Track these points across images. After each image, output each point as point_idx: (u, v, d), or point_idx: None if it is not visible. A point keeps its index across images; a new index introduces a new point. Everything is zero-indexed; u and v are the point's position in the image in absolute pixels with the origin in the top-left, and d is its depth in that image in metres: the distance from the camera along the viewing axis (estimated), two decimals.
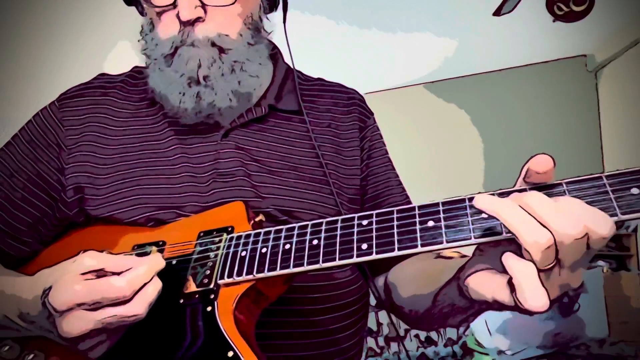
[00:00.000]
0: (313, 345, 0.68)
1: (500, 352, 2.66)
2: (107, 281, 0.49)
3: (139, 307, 0.49)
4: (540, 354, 2.60)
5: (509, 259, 0.40)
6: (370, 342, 2.87)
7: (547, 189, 0.43)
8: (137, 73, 0.82)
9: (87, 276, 0.50)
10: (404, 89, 5.19)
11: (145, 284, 0.51)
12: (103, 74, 0.82)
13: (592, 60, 4.63)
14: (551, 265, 0.39)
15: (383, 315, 2.92)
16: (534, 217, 0.39)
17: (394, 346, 2.87)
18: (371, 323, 2.90)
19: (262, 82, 0.79)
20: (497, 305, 0.44)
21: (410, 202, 0.75)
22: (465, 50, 4.42)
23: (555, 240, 0.39)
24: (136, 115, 0.76)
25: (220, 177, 0.69)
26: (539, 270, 0.39)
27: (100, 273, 0.51)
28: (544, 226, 0.39)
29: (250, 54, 0.72)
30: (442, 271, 0.55)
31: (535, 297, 0.39)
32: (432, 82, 5.10)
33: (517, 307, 0.41)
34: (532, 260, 0.39)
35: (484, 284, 0.43)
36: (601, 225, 0.38)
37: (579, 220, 0.38)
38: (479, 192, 0.44)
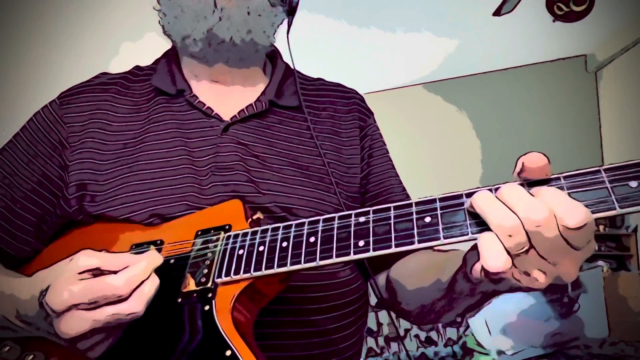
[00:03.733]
0: (311, 345, 0.68)
1: (500, 352, 2.67)
2: (104, 280, 0.49)
3: (137, 305, 0.49)
4: (540, 354, 2.60)
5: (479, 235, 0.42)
6: (370, 342, 2.87)
7: (544, 182, 0.43)
8: (138, 70, 0.82)
9: (83, 276, 0.50)
10: (404, 89, 5.20)
11: (142, 282, 0.50)
12: (104, 73, 0.82)
13: (592, 60, 4.63)
14: (523, 249, 0.40)
15: (383, 315, 2.93)
16: (505, 204, 0.41)
17: (394, 346, 2.87)
18: (371, 323, 2.90)
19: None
20: (488, 287, 0.45)
21: None
22: (465, 50, 4.43)
23: (524, 226, 0.40)
24: (137, 110, 0.76)
25: (219, 171, 0.69)
26: (512, 255, 0.40)
27: (97, 272, 0.51)
28: (513, 212, 0.40)
29: (266, 12, 0.73)
30: (447, 259, 0.56)
31: (491, 258, 0.40)
32: (432, 82, 5.11)
33: (495, 282, 0.43)
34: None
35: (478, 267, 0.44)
36: (569, 215, 0.38)
37: (545, 206, 0.39)
38: (476, 187, 0.45)
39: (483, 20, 3.60)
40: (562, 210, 0.39)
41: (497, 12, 2.90)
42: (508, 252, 0.40)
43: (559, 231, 0.39)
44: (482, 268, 0.41)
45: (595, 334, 2.73)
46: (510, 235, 0.40)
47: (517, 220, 0.40)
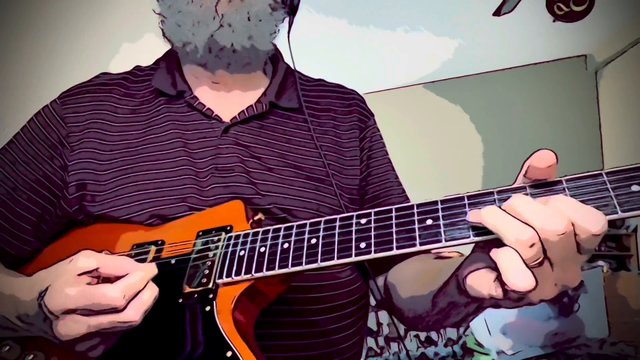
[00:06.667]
0: (312, 346, 0.68)
1: (500, 352, 2.66)
2: (101, 289, 0.49)
3: (134, 315, 0.49)
4: (540, 354, 2.60)
5: (494, 250, 0.41)
6: (370, 342, 2.87)
7: (546, 186, 0.43)
8: (139, 71, 0.82)
9: (82, 278, 0.50)
10: (404, 89, 5.20)
11: (140, 291, 0.50)
12: (104, 73, 0.82)
13: (592, 60, 4.63)
14: (539, 261, 0.40)
15: (383, 315, 2.93)
16: (516, 217, 0.40)
17: (394, 346, 2.87)
18: (371, 323, 2.90)
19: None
20: (493, 301, 0.44)
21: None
22: (465, 50, 4.43)
23: (540, 236, 0.39)
24: (137, 111, 0.76)
25: (219, 173, 0.69)
26: (529, 267, 0.40)
27: (96, 274, 0.51)
28: (528, 224, 0.40)
29: (267, 16, 0.72)
30: (442, 269, 0.55)
31: (519, 277, 0.39)
32: (432, 82, 5.11)
33: (510, 300, 0.42)
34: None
35: (481, 280, 0.44)
36: (590, 222, 0.38)
37: (563, 216, 0.39)
38: (478, 190, 0.45)
39: (483, 20, 3.60)
40: (581, 217, 0.39)
41: (497, 12, 2.90)
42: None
43: (575, 239, 0.39)
44: (501, 285, 0.41)
45: (595, 334, 2.72)
46: (529, 247, 0.39)
47: (533, 232, 0.39)
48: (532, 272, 0.39)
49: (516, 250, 0.39)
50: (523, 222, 0.40)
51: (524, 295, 0.41)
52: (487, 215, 0.42)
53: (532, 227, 0.39)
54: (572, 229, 0.39)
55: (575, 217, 0.39)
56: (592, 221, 0.38)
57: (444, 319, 0.56)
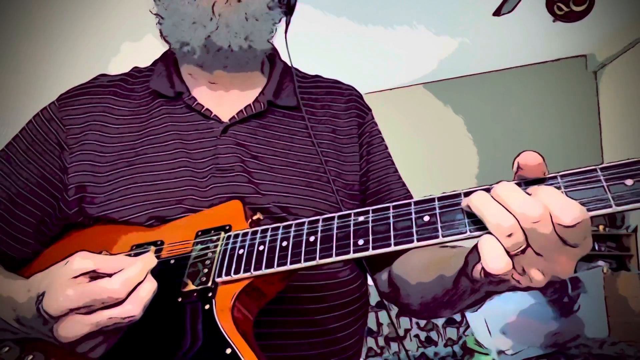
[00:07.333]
0: (312, 345, 0.68)
1: (500, 352, 2.67)
2: (100, 284, 0.48)
3: (134, 308, 0.49)
4: (540, 354, 2.60)
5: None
6: (370, 342, 2.87)
7: (542, 182, 0.43)
8: (137, 72, 0.82)
9: (79, 279, 0.49)
10: (404, 89, 5.20)
11: (139, 284, 0.50)
12: (102, 75, 0.82)
13: (592, 60, 4.64)
14: (520, 249, 0.41)
15: (383, 315, 2.93)
16: (500, 204, 0.42)
17: (394, 346, 2.87)
18: (371, 323, 2.90)
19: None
20: (494, 286, 0.46)
21: (411, 196, 0.75)
22: (465, 50, 4.43)
23: (520, 224, 0.40)
24: (135, 112, 0.76)
25: (219, 173, 0.69)
26: (511, 255, 0.41)
27: (93, 274, 0.50)
28: (509, 211, 0.41)
29: (264, 16, 0.73)
30: (450, 257, 0.56)
31: (492, 261, 0.41)
32: (432, 82, 5.11)
33: (495, 284, 0.44)
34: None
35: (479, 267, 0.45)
36: (564, 213, 0.39)
37: (541, 204, 0.40)
38: (475, 187, 0.46)
39: (483, 20, 3.61)
40: (557, 208, 0.39)
41: (497, 12, 2.91)
42: (507, 253, 0.41)
43: (554, 229, 0.40)
44: (483, 269, 0.42)
45: (595, 334, 2.72)
46: (508, 235, 0.40)
47: (513, 220, 0.40)
48: (513, 259, 0.41)
49: (496, 237, 0.41)
50: (506, 208, 0.41)
51: (504, 280, 0.42)
52: (474, 199, 0.43)
53: (512, 214, 0.40)
54: (548, 218, 0.40)
55: (552, 206, 0.40)
56: (566, 212, 0.39)
57: (452, 305, 0.57)
